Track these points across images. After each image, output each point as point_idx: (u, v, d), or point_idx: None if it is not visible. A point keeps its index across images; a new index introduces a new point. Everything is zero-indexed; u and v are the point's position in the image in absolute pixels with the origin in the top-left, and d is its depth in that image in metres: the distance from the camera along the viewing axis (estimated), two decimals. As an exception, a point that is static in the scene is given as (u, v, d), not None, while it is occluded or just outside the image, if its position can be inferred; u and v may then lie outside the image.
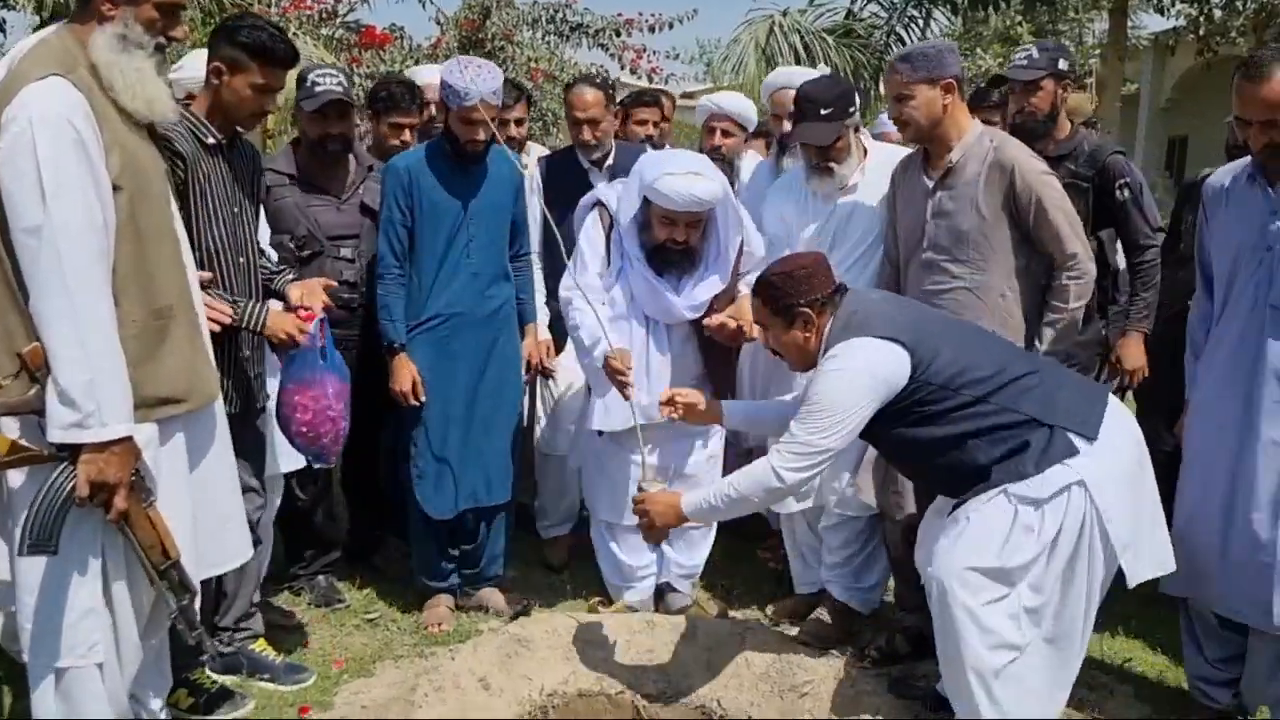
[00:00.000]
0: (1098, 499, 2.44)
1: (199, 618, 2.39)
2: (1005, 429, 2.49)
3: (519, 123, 4.11)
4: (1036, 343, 3.00)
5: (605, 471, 3.46)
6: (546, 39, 8.38)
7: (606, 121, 3.84)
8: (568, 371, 3.86)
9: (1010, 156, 2.97)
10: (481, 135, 3.28)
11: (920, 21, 12.64)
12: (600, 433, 3.38)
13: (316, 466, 3.15)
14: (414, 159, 3.37)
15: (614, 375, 3.13)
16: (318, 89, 3.42)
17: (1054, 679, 2.53)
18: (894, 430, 2.57)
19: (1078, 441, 2.47)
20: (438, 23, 8.01)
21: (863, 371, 2.47)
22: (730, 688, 2.93)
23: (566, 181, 3.72)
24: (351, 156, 3.64)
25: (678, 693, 2.96)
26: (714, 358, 3.41)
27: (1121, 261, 3.64)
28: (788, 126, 3.75)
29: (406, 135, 3.77)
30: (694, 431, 3.39)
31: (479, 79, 3.20)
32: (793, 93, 3.67)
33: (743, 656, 2.97)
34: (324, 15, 7.86)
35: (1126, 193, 3.43)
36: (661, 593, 3.59)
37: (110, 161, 2.16)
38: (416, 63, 7.77)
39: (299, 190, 3.52)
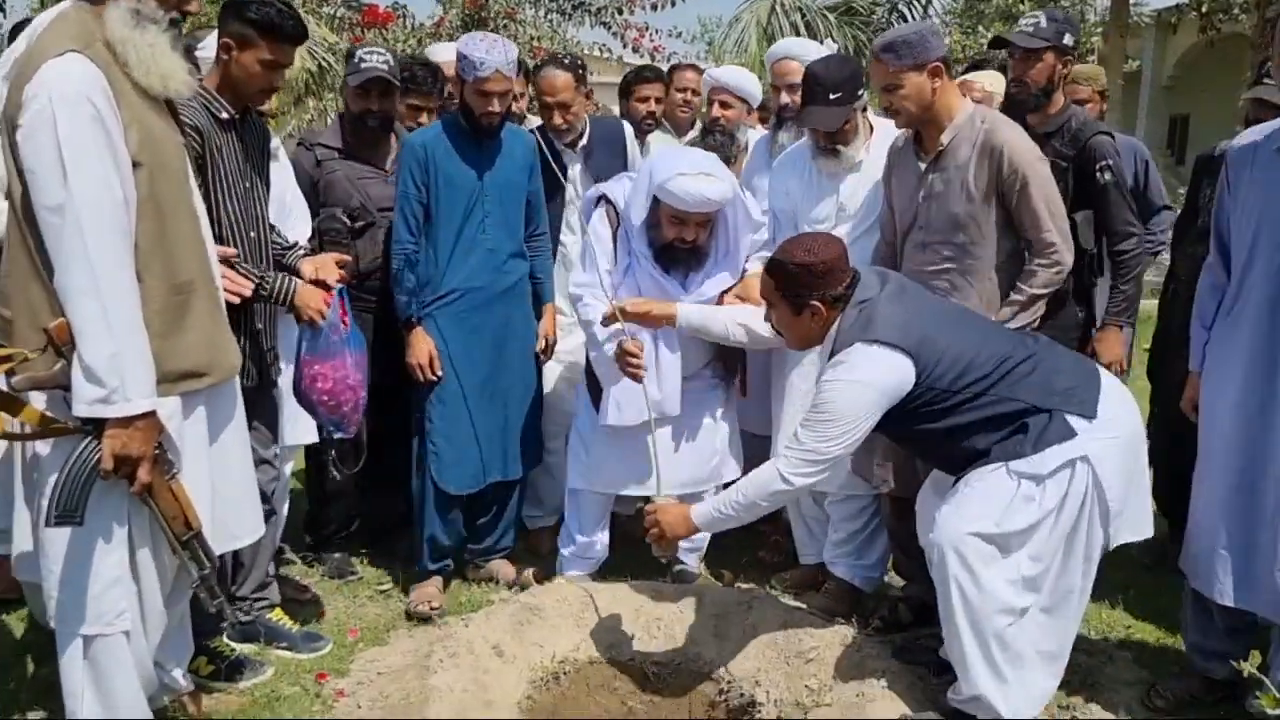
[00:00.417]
0: (1099, 471, 2.51)
1: (218, 587, 2.45)
2: (1005, 417, 2.55)
3: (518, 96, 4.07)
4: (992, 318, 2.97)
5: (608, 445, 3.41)
6: (549, 17, 8.38)
7: (577, 104, 3.78)
8: (560, 355, 3.86)
9: (1001, 139, 2.94)
10: (497, 107, 3.30)
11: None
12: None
13: (336, 436, 3.20)
14: (430, 135, 3.40)
15: (627, 360, 3.14)
16: (363, 65, 3.48)
17: (1052, 646, 2.60)
18: (896, 426, 2.63)
19: (1076, 422, 2.53)
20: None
21: (869, 385, 2.52)
22: (737, 654, 2.98)
23: (541, 161, 3.69)
24: (393, 133, 3.69)
25: (686, 659, 3.02)
26: (721, 345, 3.42)
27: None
28: (785, 98, 3.72)
29: (424, 118, 3.79)
30: (706, 407, 3.45)
31: (495, 50, 3.24)
32: (793, 64, 3.65)
33: (750, 624, 3.03)
34: (327, -7, 7.88)
35: (1108, 175, 3.28)
36: (669, 566, 3.65)
37: (129, 137, 2.17)
38: (420, 42, 7.78)
39: (348, 164, 3.58)
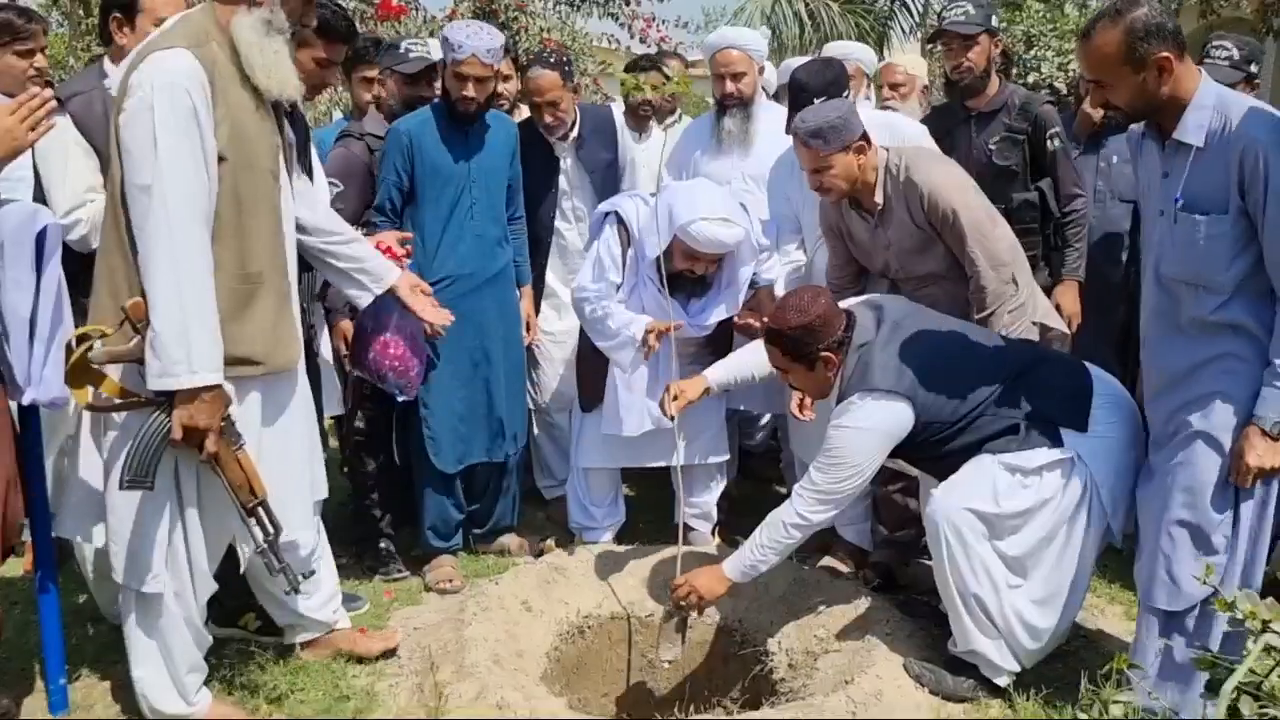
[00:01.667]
0: (1094, 471, 2.69)
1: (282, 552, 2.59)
2: (998, 432, 2.75)
3: (505, 78, 4.08)
4: None
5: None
6: (558, 8, 8.50)
7: (565, 101, 3.78)
8: (558, 336, 4.02)
9: (918, 177, 3.03)
10: (472, 92, 3.37)
11: (924, -13, 12.71)
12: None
13: (400, 400, 3.37)
14: (415, 122, 3.46)
15: (650, 334, 3.29)
16: (412, 54, 3.64)
17: (1043, 626, 2.75)
18: (901, 454, 2.83)
19: (1066, 434, 2.71)
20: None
21: (874, 431, 2.73)
22: (751, 609, 3.20)
23: (531, 153, 3.80)
24: None
25: (702, 615, 3.20)
26: (710, 337, 3.58)
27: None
28: (730, 86, 3.78)
29: (377, 89, 3.86)
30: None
31: (474, 35, 3.31)
32: (734, 53, 3.77)
33: (762, 582, 3.19)
34: (340, -13, 7.99)
35: (1057, 142, 3.56)
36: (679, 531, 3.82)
37: (219, 132, 2.35)
38: (432, 34, 7.91)
39: None
